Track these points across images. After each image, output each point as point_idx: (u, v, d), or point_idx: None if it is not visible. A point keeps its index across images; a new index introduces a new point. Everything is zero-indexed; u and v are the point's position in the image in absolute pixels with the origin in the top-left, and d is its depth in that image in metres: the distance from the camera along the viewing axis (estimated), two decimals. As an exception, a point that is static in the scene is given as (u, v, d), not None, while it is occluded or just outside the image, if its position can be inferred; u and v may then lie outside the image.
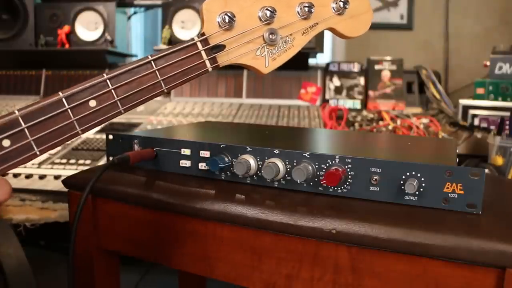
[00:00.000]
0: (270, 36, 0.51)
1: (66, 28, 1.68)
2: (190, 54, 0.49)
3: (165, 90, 0.49)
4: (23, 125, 0.41)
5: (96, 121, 0.46)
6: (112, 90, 0.46)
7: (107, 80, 0.46)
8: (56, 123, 0.43)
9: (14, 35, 1.68)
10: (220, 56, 0.50)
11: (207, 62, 0.50)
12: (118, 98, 0.46)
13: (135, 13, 2.10)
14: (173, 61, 0.48)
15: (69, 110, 0.44)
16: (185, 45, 0.49)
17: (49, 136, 0.43)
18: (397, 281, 0.46)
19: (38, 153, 0.42)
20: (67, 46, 1.69)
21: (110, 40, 1.68)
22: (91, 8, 1.70)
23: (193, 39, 0.49)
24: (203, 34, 0.49)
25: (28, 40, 1.69)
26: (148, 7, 1.94)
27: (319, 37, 1.62)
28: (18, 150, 0.41)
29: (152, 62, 0.48)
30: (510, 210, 0.52)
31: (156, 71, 0.48)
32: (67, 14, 1.70)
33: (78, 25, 1.71)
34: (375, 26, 2.25)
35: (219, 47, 0.50)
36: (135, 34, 2.42)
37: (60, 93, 0.44)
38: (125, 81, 0.47)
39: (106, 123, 1.52)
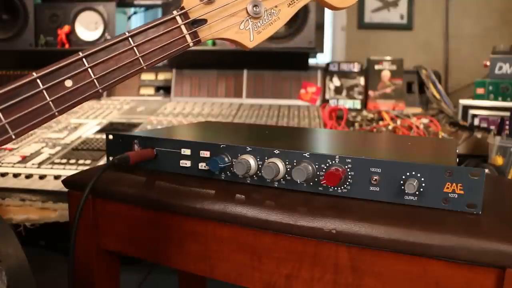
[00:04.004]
0: (254, 8, 0.49)
1: (66, 28, 1.68)
2: (170, 29, 0.47)
3: (145, 67, 0.47)
4: None
5: (73, 101, 0.44)
6: (89, 69, 0.44)
7: (83, 59, 0.44)
8: (31, 105, 0.41)
9: (14, 35, 1.68)
10: (201, 30, 0.48)
11: (188, 37, 0.48)
12: (95, 76, 0.44)
13: (135, 13, 2.10)
14: (151, 37, 0.47)
15: (44, 91, 0.42)
16: (164, 19, 0.47)
17: (24, 119, 0.41)
18: (397, 281, 0.46)
19: (13, 136, 0.41)
20: (67, 46, 1.69)
21: (110, 40, 1.68)
22: (91, 8, 1.70)
23: (172, 13, 0.47)
24: (182, 8, 0.47)
25: (28, 40, 1.69)
26: (148, 7, 1.94)
27: (319, 37, 1.62)
28: None
29: (129, 38, 0.46)
30: (510, 210, 0.52)
31: (134, 47, 0.46)
32: (67, 14, 1.70)
33: (78, 25, 1.70)
34: (375, 26, 2.25)
35: (200, 22, 0.48)
36: (135, 34, 2.42)
37: (34, 73, 0.42)
38: (102, 59, 0.45)
39: (106, 122, 1.51)
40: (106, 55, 0.45)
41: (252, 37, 0.50)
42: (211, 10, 0.48)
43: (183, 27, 0.48)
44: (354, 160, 0.51)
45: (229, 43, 0.52)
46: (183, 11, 0.47)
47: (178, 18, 0.47)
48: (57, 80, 0.43)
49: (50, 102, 0.42)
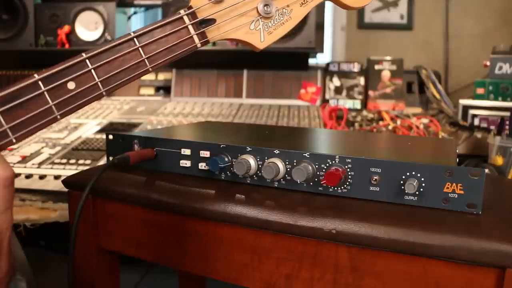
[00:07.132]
0: (265, 8, 0.47)
1: (66, 28, 1.68)
2: (177, 29, 0.45)
3: (150, 69, 0.45)
4: None
5: (76, 104, 0.42)
6: (92, 70, 0.42)
7: (86, 60, 0.42)
8: (32, 108, 0.40)
9: (14, 35, 1.68)
10: (209, 30, 0.47)
11: (195, 38, 0.46)
12: (99, 79, 0.43)
13: (135, 13, 2.10)
14: (158, 37, 0.45)
15: (45, 93, 0.40)
16: (170, 19, 0.45)
17: (26, 122, 0.40)
18: (397, 281, 0.46)
19: (14, 140, 0.40)
20: (67, 46, 1.69)
21: (110, 40, 1.68)
22: (91, 8, 1.70)
23: (179, 12, 0.46)
24: (190, 8, 0.46)
25: (28, 40, 1.69)
26: (148, 7, 1.94)
27: (319, 37, 1.62)
28: None
29: (135, 39, 0.44)
30: (510, 210, 0.52)
31: (140, 48, 0.44)
32: (67, 14, 1.70)
33: (78, 25, 1.70)
34: (375, 26, 2.25)
35: (209, 22, 0.47)
36: (135, 34, 2.42)
37: (35, 75, 0.40)
38: (106, 60, 0.43)
39: (106, 122, 1.50)
40: (110, 56, 0.43)
41: (262, 37, 0.48)
42: (220, 9, 0.46)
43: (190, 27, 0.46)
44: (354, 160, 0.51)
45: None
46: (190, 10, 0.46)
47: (185, 17, 0.46)
48: (59, 82, 0.41)
49: (53, 106, 0.41)
